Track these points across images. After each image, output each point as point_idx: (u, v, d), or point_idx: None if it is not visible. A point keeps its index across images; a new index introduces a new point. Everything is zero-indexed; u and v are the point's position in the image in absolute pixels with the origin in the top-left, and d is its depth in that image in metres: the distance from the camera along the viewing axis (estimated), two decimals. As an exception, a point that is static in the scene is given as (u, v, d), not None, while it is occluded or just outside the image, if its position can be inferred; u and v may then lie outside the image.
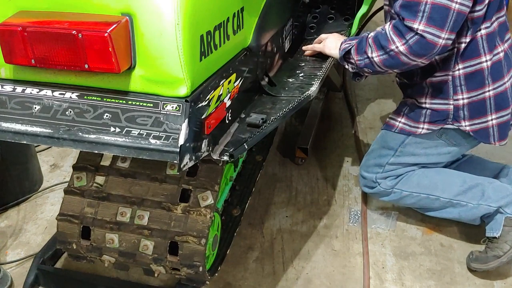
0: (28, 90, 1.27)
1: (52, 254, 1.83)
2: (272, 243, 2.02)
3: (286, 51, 1.96)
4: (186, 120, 1.18)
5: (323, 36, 1.91)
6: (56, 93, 1.25)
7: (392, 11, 1.64)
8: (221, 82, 1.35)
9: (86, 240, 1.59)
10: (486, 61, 1.68)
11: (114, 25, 1.14)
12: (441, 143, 1.84)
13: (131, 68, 1.20)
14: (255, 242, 2.02)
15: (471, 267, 1.84)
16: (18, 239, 2.07)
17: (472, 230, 1.99)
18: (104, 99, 1.23)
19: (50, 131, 1.22)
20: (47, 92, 1.26)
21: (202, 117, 1.26)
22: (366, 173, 1.99)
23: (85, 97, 1.24)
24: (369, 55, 1.64)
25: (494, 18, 1.67)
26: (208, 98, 1.28)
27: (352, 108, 2.82)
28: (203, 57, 1.24)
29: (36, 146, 2.40)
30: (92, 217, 1.58)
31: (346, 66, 1.77)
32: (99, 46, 1.13)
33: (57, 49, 1.17)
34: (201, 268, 1.52)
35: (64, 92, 1.25)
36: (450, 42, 1.55)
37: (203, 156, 1.29)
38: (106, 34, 1.11)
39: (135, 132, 1.19)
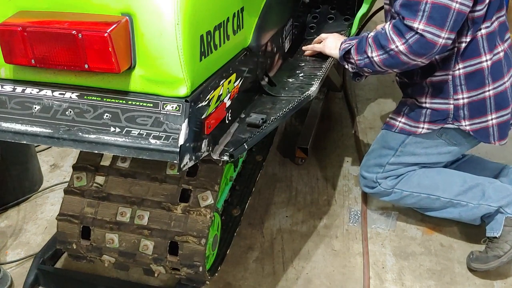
0: (28, 90, 1.27)
1: (52, 254, 1.83)
2: (272, 243, 2.02)
3: (286, 51, 1.96)
4: (186, 120, 1.18)
5: (323, 35, 1.91)
6: (56, 93, 1.25)
7: (393, 10, 1.64)
8: (221, 82, 1.35)
9: (86, 240, 1.59)
10: (486, 60, 1.68)
11: (114, 25, 1.14)
12: (441, 142, 1.84)
13: (131, 68, 1.20)
14: (255, 242, 2.02)
15: (471, 267, 1.84)
16: (18, 239, 2.07)
17: (472, 230, 1.99)
18: (104, 99, 1.23)
19: (50, 131, 1.22)
20: (47, 92, 1.26)
21: (202, 117, 1.26)
22: (366, 173, 1.99)
23: (85, 97, 1.24)
24: (369, 54, 1.64)
25: (494, 18, 1.67)
26: (208, 98, 1.28)
27: (352, 108, 2.82)
28: (203, 57, 1.24)
29: (36, 146, 2.40)
30: (92, 217, 1.58)
31: (346, 66, 1.77)
32: (99, 46, 1.13)
33: (57, 49, 1.17)
34: (201, 268, 1.52)
35: (64, 92, 1.25)
36: (450, 41, 1.55)
37: (203, 156, 1.29)
38: (106, 34, 1.11)
39: (135, 132, 1.19)
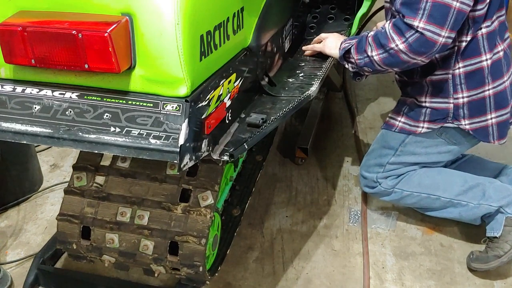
0: (28, 90, 1.27)
1: (52, 254, 1.83)
2: (272, 243, 2.02)
3: (286, 51, 1.96)
4: (186, 120, 1.18)
5: (323, 35, 1.91)
6: (56, 93, 1.25)
7: (393, 8, 1.64)
8: (221, 82, 1.35)
9: (86, 240, 1.59)
10: (486, 60, 1.68)
11: (114, 25, 1.14)
12: (441, 142, 1.84)
13: (131, 68, 1.20)
14: (255, 242, 2.02)
15: (472, 267, 1.84)
16: (18, 239, 2.07)
17: (472, 230, 1.99)
18: (104, 99, 1.23)
19: (50, 131, 1.22)
20: (47, 92, 1.26)
21: (202, 117, 1.26)
22: (366, 173, 1.99)
23: (85, 97, 1.24)
24: (369, 54, 1.64)
25: (495, 17, 1.67)
26: (208, 98, 1.28)
27: (352, 108, 2.82)
28: (203, 57, 1.24)
29: (36, 146, 2.40)
30: (92, 217, 1.58)
31: (346, 66, 1.77)
32: (99, 46, 1.13)
33: (57, 49, 1.17)
34: (201, 268, 1.52)
35: (64, 92, 1.25)
36: (450, 40, 1.55)
37: (203, 156, 1.29)
38: (106, 34, 1.11)
39: (135, 132, 1.19)
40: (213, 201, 1.53)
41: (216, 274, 1.68)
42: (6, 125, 1.24)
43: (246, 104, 1.59)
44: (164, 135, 1.17)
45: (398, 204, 2.07)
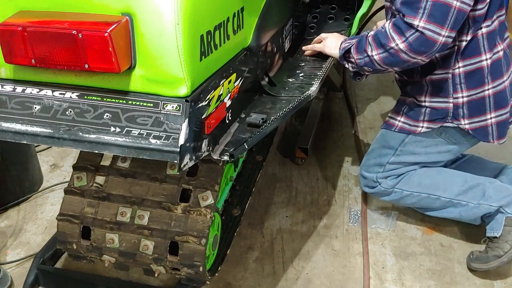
0: (28, 90, 1.27)
1: (52, 254, 1.83)
2: (272, 243, 2.02)
3: (286, 51, 1.96)
4: (186, 120, 1.18)
5: (323, 35, 1.91)
6: (56, 93, 1.25)
7: (393, 7, 1.64)
8: (221, 82, 1.35)
9: (86, 240, 1.59)
10: (486, 59, 1.68)
11: (114, 25, 1.14)
12: (441, 141, 1.84)
13: (131, 68, 1.20)
14: (255, 242, 2.02)
15: (472, 267, 1.84)
16: (18, 239, 2.07)
17: (472, 230, 1.99)
18: (104, 99, 1.23)
19: (50, 131, 1.22)
20: (47, 92, 1.26)
21: (202, 117, 1.26)
22: (366, 173, 1.99)
23: (85, 97, 1.24)
24: (369, 53, 1.64)
25: (495, 17, 1.68)
26: (208, 98, 1.28)
27: (352, 108, 2.82)
28: (203, 57, 1.24)
29: (36, 146, 2.40)
30: (92, 217, 1.58)
31: (346, 66, 1.77)
32: (99, 46, 1.13)
33: (57, 49, 1.17)
34: (201, 268, 1.52)
35: (64, 92, 1.25)
36: (450, 40, 1.55)
37: (203, 156, 1.29)
38: (106, 34, 1.11)
39: (135, 132, 1.19)
40: (213, 201, 1.53)
41: (216, 274, 1.68)
42: (6, 125, 1.24)
43: (246, 104, 1.59)
44: (164, 135, 1.17)
45: (398, 204, 2.07)
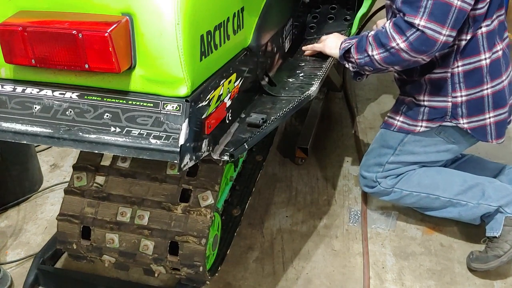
0: (28, 90, 1.27)
1: (52, 254, 1.83)
2: (272, 243, 2.02)
3: (286, 51, 1.96)
4: (187, 120, 1.18)
5: (323, 37, 1.92)
6: (56, 93, 1.25)
7: (394, 6, 1.64)
8: (221, 82, 1.35)
9: (86, 240, 1.59)
10: (485, 59, 1.68)
11: (114, 25, 1.14)
12: (440, 141, 1.84)
13: (131, 68, 1.20)
14: (255, 242, 2.02)
15: (471, 267, 1.84)
16: (18, 239, 2.07)
17: (472, 230, 1.99)
18: (104, 99, 1.23)
19: (50, 131, 1.22)
20: (47, 92, 1.26)
21: (203, 117, 1.26)
22: (366, 173, 1.99)
23: (85, 97, 1.24)
24: (370, 53, 1.64)
25: (494, 16, 1.68)
26: (209, 98, 1.28)
27: (352, 108, 2.82)
28: (203, 57, 1.24)
29: (36, 146, 2.40)
30: (92, 217, 1.58)
31: (347, 65, 1.77)
32: (99, 46, 1.13)
33: (57, 49, 1.17)
34: (201, 268, 1.52)
35: (64, 92, 1.25)
36: (451, 39, 1.55)
37: (203, 156, 1.29)
38: (106, 34, 1.11)
39: (135, 132, 1.19)
40: (213, 201, 1.53)
41: (216, 274, 1.68)
42: (6, 125, 1.24)
43: (246, 104, 1.59)
44: (165, 135, 1.17)
45: (398, 203, 2.07)
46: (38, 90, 1.27)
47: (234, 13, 1.40)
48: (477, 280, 1.83)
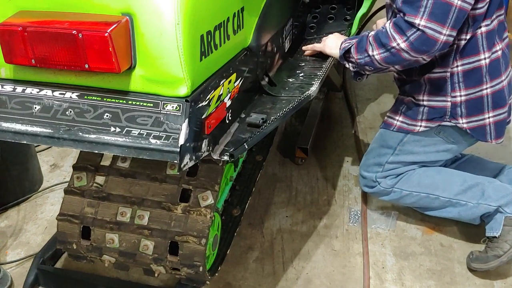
0: (28, 90, 1.27)
1: (52, 254, 1.83)
2: (272, 243, 2.02)
3: (286, 51, 1.96)
4: (186, 120, 1.18)
5: (324, 38, 1.92)
6: (56, 93, 1.25)
7: (394, 6, 1.64)
8: (221, 82, 1.35)
9: (86, 240, 1.59)
10: (485, 58, 1.68)
11: (114, 25, 1.14)
12: (439, 140, 1.84)
13: (131, 68, 1.20)
14: (255, 242, 2.02)
15: (471, 267, 1.84)
16: (18, 239, 2.07)
17: (472, 230, 1.99)
18: (104, 99, 1.23)
19: (50, 131, 1.22)
20: (47, 92, 1.26)
21: (202, 117, 1.26)
22: (366, 173, 1.99)
23: (85, 97, 1.24)
24: (370, 53, 1.64)
25: (494, 16, 1.68)
26: (208, 98, 1.28)
27: (352, 108, 2.82)
28: (203, 57, 1.24)
29: (36, 146, 2.40)
30: (92, 217, 1.58)
31: (347, 65, 1.77)
32: (99, 46, 1.13)
33: (57, 49, 1.17)
34: (201, 268, 1.52)
35: (64, 92, 1.25)
36: (451, 39, 1.55)
37: (203, 156, 1.29)
38: (106, 34, 1.11)
39: (135, 132, 1.19)
40: (213, 201, 1.53)
41: (216, 274, 1.68)
42: (6, 125, 1.24)
43: (246, 104, 1.59)
44: (164, 135, 1.17)
45: (398, 203, 2.07)
46: (38, 90, 1.27)
47: (234, 13, 1.40)
48: (477, 280, 1.83)
